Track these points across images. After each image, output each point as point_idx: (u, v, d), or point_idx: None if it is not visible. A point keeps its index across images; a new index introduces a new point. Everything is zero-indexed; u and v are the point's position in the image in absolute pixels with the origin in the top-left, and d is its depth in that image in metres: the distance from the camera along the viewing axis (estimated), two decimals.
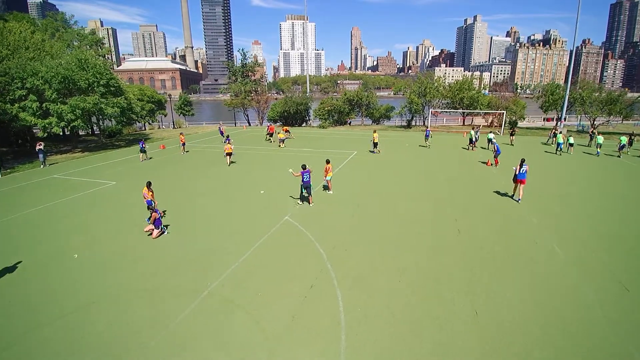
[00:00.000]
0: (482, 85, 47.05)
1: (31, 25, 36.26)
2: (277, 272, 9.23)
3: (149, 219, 11.89)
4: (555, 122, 46.11)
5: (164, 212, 13.65)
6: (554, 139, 28.83)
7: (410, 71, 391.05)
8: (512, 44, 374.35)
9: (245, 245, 10.82)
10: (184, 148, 27.27)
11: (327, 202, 14.98)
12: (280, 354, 6.46)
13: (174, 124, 47.34)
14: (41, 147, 24.45)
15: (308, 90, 53.70)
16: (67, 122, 27.93)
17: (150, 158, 25.85)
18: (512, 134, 31.56)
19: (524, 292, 8.18)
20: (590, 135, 31.13)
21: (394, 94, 50.01)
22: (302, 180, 14.15)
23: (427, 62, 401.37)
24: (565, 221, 12.61)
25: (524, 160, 14.68)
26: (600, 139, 26.05)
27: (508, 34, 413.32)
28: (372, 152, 26.40)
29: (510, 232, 11.71)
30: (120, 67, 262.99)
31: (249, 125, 49.69)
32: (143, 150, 25.00)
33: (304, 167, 14.24)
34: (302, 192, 14.45)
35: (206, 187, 17.93)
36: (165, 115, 48.79)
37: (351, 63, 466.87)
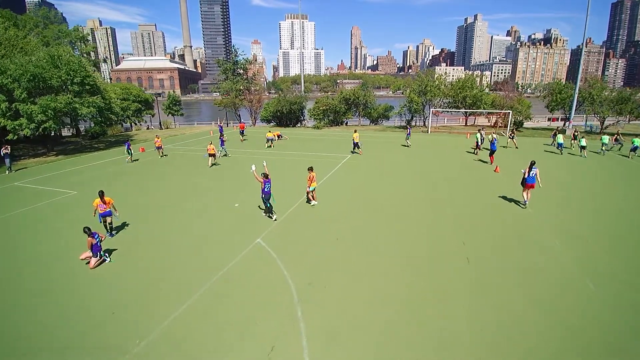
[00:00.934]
0: (485, 84, 44.67)
1: (6, 21, 34.08)
2: (230, 325, 7.02)
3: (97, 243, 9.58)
4: (563, 123, 43.89)
5: (109, 232, 11.47)
6: (554, 139, 27.89)
7: (410, 70, 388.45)
8: (513, 43, 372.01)
9: (199, 281, 8.62)
10: (160, 152, 24.94)
11: (310, 218, 12.79)
12: None
13: (161, 125, 45.04)
14: (7, 151, 22.30)
15: (303, 89, 51.44)
16: (38, 124, 25.79)
17: (136, 160, 24.15)
18: (512, 137, 28.70)
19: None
20: (574, 136, 29.21)
21: (393, 93, 47.68)
22: (262, 191, 12.19)
23: (428, 62, 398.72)
24: (590, 243, 10.44)
25: (534, 163, 13.38)
26: (606, 138, 25.52)
27: (508, 33, 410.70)
28: (353, 152, 25.03)
29: (537, 271, 9.53)
30: (118, 67, 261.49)
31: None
32: (129, 152, 23.60)
33: (265, 175, 12.23)
34: (267, 204, 12.48)
35: (175, 196, 15.76)
36: (153, 116, 46.58)
37: (351, 62, 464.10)
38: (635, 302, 7.58)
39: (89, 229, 9.40)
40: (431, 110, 38.56)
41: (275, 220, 12.44)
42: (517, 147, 28.12)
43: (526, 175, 13.28)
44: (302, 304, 7.62)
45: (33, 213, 14.11)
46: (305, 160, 22.76)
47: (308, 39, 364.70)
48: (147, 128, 47.39)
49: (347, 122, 46.21)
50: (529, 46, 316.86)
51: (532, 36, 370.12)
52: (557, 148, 25.97)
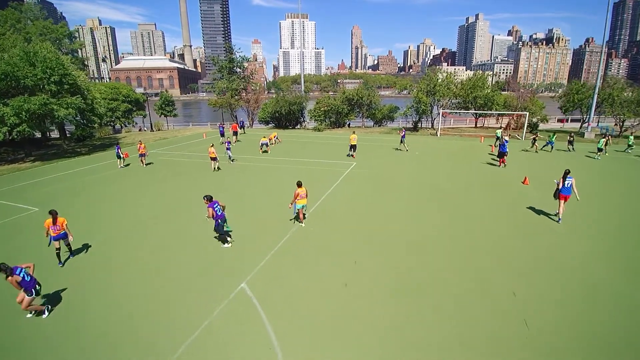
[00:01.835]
0: (497, 83, 42.02)
1: None
2: None
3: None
4: (580, 125, 41.37)
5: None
6: (570, 145, 26.77)
7: (411, 70, 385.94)
8: (515, 42, 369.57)
9: (163, 350, 6.14)
10: (143, 160, 21.86)
11: (310, 251, 10.26)
12: None
13: (152, 126, 42.38)
14: None
15: (303, 88, 48.84)
16: (11, 127, 23.35)
17: (128, 165, 21.95)
18: (534, 141, 26.54)
19: None
20: (569, 141, 27.17)
21: (398, 93, 45.02)
22: (215, 216, 10.04)
23: (428, 61, 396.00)
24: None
25: (569, 172, 12.03)
26: (632, 138, 26.07)
27: (509, 33, 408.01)
28: (350, 155, 23.45)
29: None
30: (117, 66, 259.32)
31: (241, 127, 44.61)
32: (119, 156, 21.71)
33: (209, 198, 10.06)
34: (221, 230, 10.26)
35: (150, 215, 13.25)
36: (144, 117, 44.07)
37: (351, 62, 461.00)
38: None
39: (6, 266, 6.98)
40: (440, 111, 35.95)
41: (227, 246, 10.36)
42: (537, 152, 25.90)
43: (560, 186, 11.92)
44: None
45: None
46: (304, 170, 20.26)
47: (308, 39, 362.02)
48: (140, 130, 44.94)
49: (349, 124, 43.70)
50: (531, 46, 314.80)
51: (534, 36, 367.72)
52: (597, 152, 24.06)
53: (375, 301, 7.69)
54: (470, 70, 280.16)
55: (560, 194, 12.03)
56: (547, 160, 23.25)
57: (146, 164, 21.97)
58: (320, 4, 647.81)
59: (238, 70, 44.58)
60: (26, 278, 7.10)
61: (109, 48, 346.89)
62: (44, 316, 7.30)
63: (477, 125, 42.66)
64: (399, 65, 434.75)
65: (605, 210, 13.42)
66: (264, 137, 26.53)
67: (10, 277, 6.90)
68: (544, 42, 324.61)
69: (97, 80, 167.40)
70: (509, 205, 14.20)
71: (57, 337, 6.75)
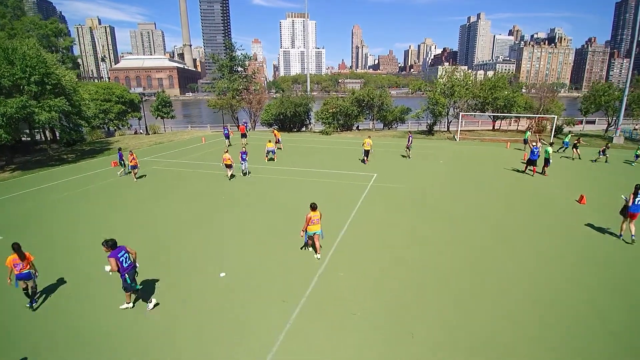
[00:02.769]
0: (518, 84, 39.22)
1: None
2: None
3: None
4: (605, 128, 38.72)
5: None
6: (603, 154, 23.40)
7: (412, 70, 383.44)
8: (516, 42, 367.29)
9: None
10: (135, 172, 18.81)
11: (344, 310, 7.60)
12: None
13: (147, 129, 39.49)
14: None
15: (308, 88, 46.08)
16: None
17: (128, 173, 19.16)
18: (576, 146, 24.03)
19: None
20: (574, 145, 24.53)
21: (412, 93, 42.35)
22: (121, 269, 7.20)
23: (430, 61, 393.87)
24: None
25: None
26: None
27: (510, 33, 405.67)
28: (363, 162, 21.93)
29: None
30: (117, 65, 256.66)
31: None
32: (122, 164, 19.74)
33: (110, 244, 7.20)
34: (129, 285, 7.44)
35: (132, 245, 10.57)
36: (140, 119, 41.29)
37: (352, 62, 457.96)
38: None
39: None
40: (460, 113, 33.17)
41: (151, 307, 7.65)
42: (579, 158, 23.35)
43: (630, 203, 10.53)
44: None
45: None
46: (319, 183, 17.56)
47: (309, 38, 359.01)
48: (135, 133, 42.11)
49: (358, 127, 40.97)
50: (533, 45, 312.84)
51: (535, 35, 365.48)
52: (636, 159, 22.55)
53: None
54: (473, 70, 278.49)
55: (629, 212, 10.61)
56: (587, 170, 20.62)
57: (137, 177, 19.01)
58: (321, 4, 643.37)
59: (239, 69, 41.79)
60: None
61: (108, 48, 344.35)
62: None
63: (495, 128, 39.98)
64: (399, 65, 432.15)
65: None
66: (270, 141, 23.81)
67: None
68: (546, 42, 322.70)
69: (96, 80, 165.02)
70: (567, 230, 11.55)
71: None
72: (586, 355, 6.18)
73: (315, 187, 16.79)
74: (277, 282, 8.67)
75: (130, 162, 18.43)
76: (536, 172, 18.98)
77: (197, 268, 9.45)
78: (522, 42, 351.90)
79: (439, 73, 36.25)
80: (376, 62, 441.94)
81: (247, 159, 18.94)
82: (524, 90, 42.57)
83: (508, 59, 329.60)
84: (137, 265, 7.76)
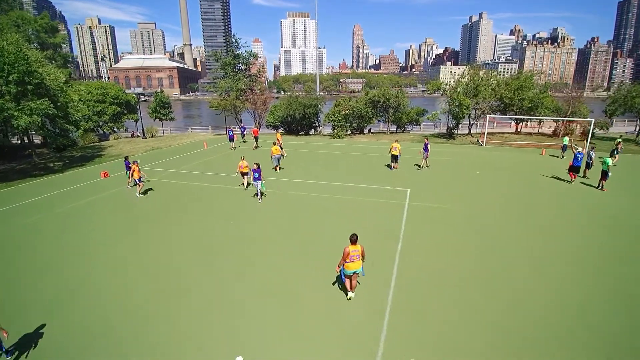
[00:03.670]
0: (546, 84, 36.32)
1: None
2: None
3: None
4: (637, 131, 35.95)
5: None
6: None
7: (413, 70, 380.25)
8: (519, 42, 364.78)
9: None
10: (140, 187, 16.03)
11: None
12: None
13: (144, 133, 36.51)
14: None
15: (318, 88, 43.22)
16: None
17: (134, 185, 16.08)
18: (615, 153, 21.52)
19: None
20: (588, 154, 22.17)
21: (429, 94, 39.58)
22: None
23: (431, 61, 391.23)
24: None
25: None
26: None
27: (512, 32, 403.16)
28: (390, 168, 20.45)
29: None
30: (116, 65, 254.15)
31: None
32: (128, 174, 16.96)
33: None
34: None
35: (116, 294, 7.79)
36: (136, 121, 38.42)
37: (353, 61, 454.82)
38: None
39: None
40: (488, 116, 30.24)
41: None
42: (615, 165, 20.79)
43: None
44: None
45: None
46: (344, 201, 14.73)
47: (310, 38, 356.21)
48: (132, 136, 39.10)
49: (370, 129, 38.16)
50: (536, 45, 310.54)
51: (537, 35, 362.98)
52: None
53: None
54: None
55: None
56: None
57: (140, 193, 16.13)
58: (321, 3, 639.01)
59: (243, 67, 38.93)
60: None
61: (108, 47, 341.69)
62: None
63: (518, 131, 37.20)
64: (400, 65, 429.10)
65: None
66: (274, 145, 20.47)
67: None
68: (549, 42, 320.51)
69: (96, 80, 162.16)
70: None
71: None
72: None
73: (341, 207, 14.01)
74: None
75: (134, 173, 15.63)
76: (575, 177, 17.69)
77: (205, 353, 6.66)
78: (525, 41, 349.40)
79: (462, 72, 33.34)
80: (377, 61, 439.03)
81: (262, 176, 14.92)
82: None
83: (510, 58, 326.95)
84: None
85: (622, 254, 10.02)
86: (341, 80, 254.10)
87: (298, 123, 36.49)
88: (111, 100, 34.28)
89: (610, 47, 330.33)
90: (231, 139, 28.24)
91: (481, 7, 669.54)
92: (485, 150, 27.72)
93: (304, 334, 6.87)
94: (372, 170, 20.34)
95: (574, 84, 45.72)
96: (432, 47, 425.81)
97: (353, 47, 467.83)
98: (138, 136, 37.62)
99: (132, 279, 8.97)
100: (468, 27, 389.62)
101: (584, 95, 36.33)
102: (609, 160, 16.06)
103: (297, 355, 6.32)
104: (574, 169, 17.56)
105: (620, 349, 6.38)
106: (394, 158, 19.98)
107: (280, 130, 36.53)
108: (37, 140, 32.96)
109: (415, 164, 21.40)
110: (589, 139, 27.45)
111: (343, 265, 7.61)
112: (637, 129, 36.24)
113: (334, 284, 8.54)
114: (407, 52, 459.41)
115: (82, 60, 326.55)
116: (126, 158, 17.89)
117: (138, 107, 38.55)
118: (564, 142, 24.67)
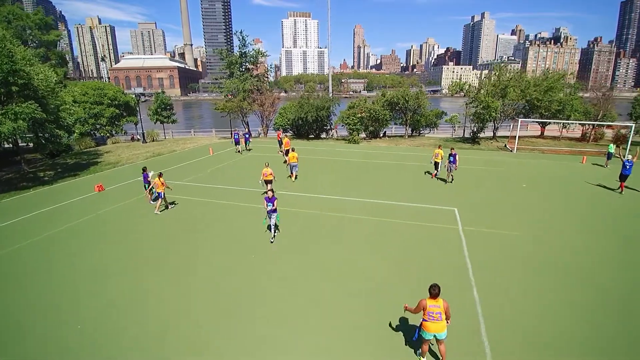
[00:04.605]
0: (576, 86, 33.88)
1: None
2: None
3: None
4: None
5: None
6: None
7: (414, 70, 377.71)
8: (521, 42, 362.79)
9: None
10: (160, 203, 13.87)
11: None
12: None
13: (144, 137, 33.98)
14: None
15: (331, 89, 40.80)
16: None
17: (155, 199, 14.08)
18: None
19: None
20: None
21: (451, 96, 37.32)
22: None
23: (432, 61, 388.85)
24: None
25: None
26: None
27: (514, 32, 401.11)
28: (433, 176, 18.63)
29: None
30: (117, 65, 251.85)
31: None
32: (147, 187, 15.00)
33: None
34: None
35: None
36: (136, 123, 36.01)
37: (354, 61, 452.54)
38: None
39: None
40: (519, 119, 27.74)
41: None
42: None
43: None
44: None
45: None
46: (380, 226, 12.30)
47: (311, 38, 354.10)
48: (132, 139, 36.59)
49: (385, 133, 35.77)
50: (538, 45, 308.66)
51: (539, 35, 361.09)
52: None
53: None
54: (477, 70, 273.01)
55: None
56: None
57: (160, 210, 13.87)
58: (322, 3, 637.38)
59: (250, 66, 36.51)
60: None
61: (108, 47, 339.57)
62: None
63: (543, 135, 34.82)
64: (402, 65, 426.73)
65: None
66: (293, 151, 18.07)
67: None
68: (552, 41, 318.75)
69: (96, 80, 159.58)
70: None
71: None
72: None
73: (378, 233, 11.61)
74: None
75: (156, 187, 13.50)
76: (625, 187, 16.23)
77: None
78: (527, 41, 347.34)
79: (478, 73, 30.89)
80: (378, 61, 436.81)
81: (276, 206, 11.08)
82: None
83: (513, 58, 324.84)
84: None
85: None
86: (343, 80, 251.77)
87: (310, 126, 34.07)
88: (109, 101, 31.93)
89: (613, 47, 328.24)
90: (237, 142, 26.90)
91: (482, 7, 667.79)
92: (517, 157, 25.33)
93: None
94: (403, 183, 17.95)
95: (593, 85, 43.45)
96: (433, 47, 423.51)
97: (354, 47, 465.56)
98: (138, 140, 35.14)
99: (134, 341, 6.61)
100: (470, 27, 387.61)
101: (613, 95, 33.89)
102: None
103: None
104: (623, 177, 16.37)
105: None
106: (436, 165, 18.35)
107: (288, 134, 34.10)
108: (29, 144, 30.61)
109: (439, 178, 18.48)
110: (629, 145, 25.06)
111: (421, 323, 5.84)
112: None
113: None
114: (409, 52, 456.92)
115: (82, 61, 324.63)
116: (144, 170, 15.36)
117: (138, 108, 36.13)
118: (610, 150, 22.30)
